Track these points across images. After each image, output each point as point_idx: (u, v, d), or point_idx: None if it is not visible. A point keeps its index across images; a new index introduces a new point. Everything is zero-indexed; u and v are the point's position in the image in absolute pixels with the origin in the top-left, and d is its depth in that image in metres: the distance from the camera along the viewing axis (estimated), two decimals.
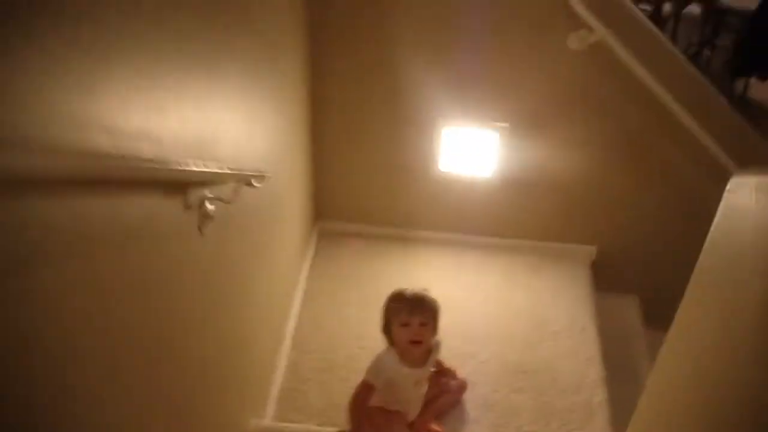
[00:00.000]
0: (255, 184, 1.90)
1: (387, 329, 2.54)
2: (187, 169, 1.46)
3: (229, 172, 1.73)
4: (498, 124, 3.23)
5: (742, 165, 2.90)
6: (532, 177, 3.41)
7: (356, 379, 2.90)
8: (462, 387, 2.88)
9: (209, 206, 1.77)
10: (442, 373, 2.85)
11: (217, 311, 1.98)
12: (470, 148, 3.34)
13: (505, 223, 3.60)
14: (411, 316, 2.47)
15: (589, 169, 3.37)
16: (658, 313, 3.60)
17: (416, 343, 2.48)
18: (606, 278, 3.61)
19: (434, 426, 2.71)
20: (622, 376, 3.19)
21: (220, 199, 1.84)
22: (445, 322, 2.62)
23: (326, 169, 3.52)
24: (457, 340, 3.05)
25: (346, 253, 3.62)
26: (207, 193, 1.76)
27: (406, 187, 3.53)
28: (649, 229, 3.52)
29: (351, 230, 3.72)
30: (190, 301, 1.74)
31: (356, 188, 3.61)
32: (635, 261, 3.63)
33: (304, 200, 3.36)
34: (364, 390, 2.49)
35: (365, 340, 3.10)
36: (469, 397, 2.90)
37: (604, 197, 3.46)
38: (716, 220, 1.64)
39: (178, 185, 1.56)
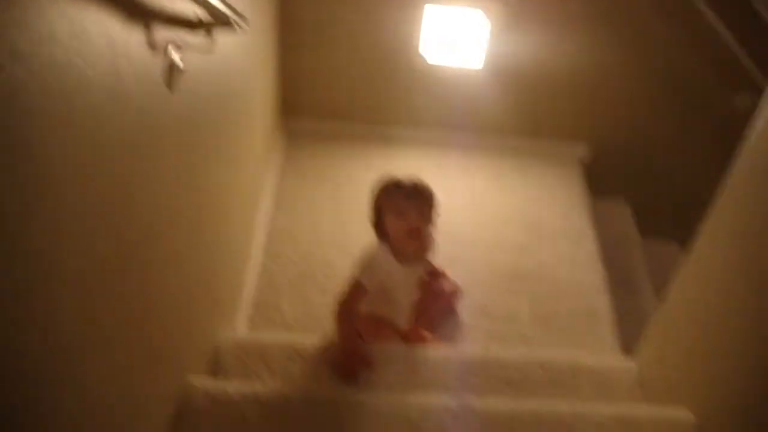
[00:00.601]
0: (240, 25, 1.53)
1: (378, 221, 2.19)
2: None
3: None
4: (488, 3, 2.87)
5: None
6: (523, 67, 3.07)
7: (336, 287, 2.60)
8: (456, 291, 2.59)
9: (177, 55, 1.42)
10: (435, 275, 2.55)
11: (185, 200, 1.63)
12: (456, 33, 2.97)
13: (492, 120, 3.28)
14: (408, 204, 2.12)
15: (585, 62, 3.05)
16: (650, 220, 3.41)
17: (414, 234, 2.14)
18: (598, 182, 3.34)
19: (427, 334, 2.42)
20: (619, 283, 2.96)
21: (193, 48, 1.49)
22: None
23: (295, 57, 3.09)
24: (444, 245, 2.69)
25: (317, 153, 3.26)
26: (175, 37, 1.40)
27: (384, 78, 3.15)
28: (646, 130, 3.25)
29: (323, 128, 3.34)
30: (156, 180, 1.40)
31: (329, 80, 3.20)
32: (627, 163, 3.36)
33: (271, 93, 2.94)
34: (355, 292, 2.12)
35: (344, 246, 2.80)
36: (463, 303, 2.62)
37: (599, 92, 3.15)
38: None
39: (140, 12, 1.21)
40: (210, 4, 1.40)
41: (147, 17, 1.25)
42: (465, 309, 2.61)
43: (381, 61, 3.09)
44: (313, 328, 2.47)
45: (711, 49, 2.82)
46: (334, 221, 2.92)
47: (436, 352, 2.17)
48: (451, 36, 2.95)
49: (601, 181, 3.34)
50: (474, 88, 3.14)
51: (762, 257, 1.56)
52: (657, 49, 2.96)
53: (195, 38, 1.51)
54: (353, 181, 3.10)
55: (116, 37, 1.10)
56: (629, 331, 2.66)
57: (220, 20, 1.51)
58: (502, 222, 3.00)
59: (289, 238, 2.83)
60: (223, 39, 1.73)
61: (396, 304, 2.29)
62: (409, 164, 3.21)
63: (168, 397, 1.64)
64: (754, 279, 1.58)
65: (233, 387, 1.79)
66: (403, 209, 2.11)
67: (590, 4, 2.88)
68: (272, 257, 2.74)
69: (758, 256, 1.57)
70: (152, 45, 1.29)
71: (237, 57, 2.18)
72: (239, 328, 2.41)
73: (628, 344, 2.53)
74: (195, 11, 1.48)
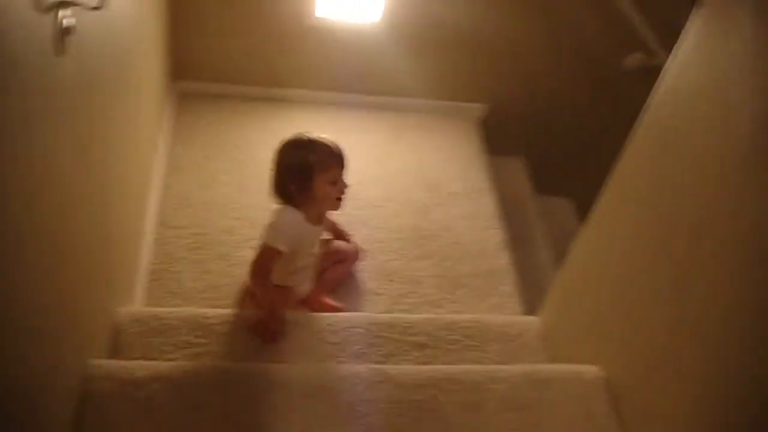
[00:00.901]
0: None
1: (303, 182, 2.10)
2: None
3: None
4: None
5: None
6: (419, 27, 3.03)
7: (235, 253, 2.53)
8: (357, 252, 2.55)
9: (65, 14, 1.31)
10: (337, 235, 2.52)
11: (74, 169, 1.51)
12: None
13: (389, 80, 3.23)
14: (341, 170, 2.12)
15: (481, 19, 3.03)
16: (545, 178, 3.47)
17: (341, 198, 2.16)
18: (493, 140, 3.35)
19: (330, 300, 2.38)
20: (517, 240, 2.99)
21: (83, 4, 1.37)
22: None
23: (184, 17, 2.95)
24: (345, 206, 2.65)
25: (211, 117, 3.13)
26: None
27: (279, 37, 3.04)
28: (541, 88, 3.27)
29: (216, 91, 3.21)
30: (46, 150, 1.29)
31: (220, 41, 3.06)
32: (523, 121, 3.39)
33: (160, 55, 2.79)
34: (268, 256, 2.06)
35: (242, 210, 2.72)
36: (366, 267, 2.59)
37: (495, 51, 3.14)
38: None
39: None
40: None
41: None
42: (369, 273, 2.58)
43: (275, 19, 2.98)
44: (214, 297, 2.40)
45: (607, 8, 2.85)
46: (231, 185, 2.83)
47: (341, 318, 2.13)
48: None
49: (498, 139, 3.37)
50: (371, 45, 3.07)
51: (664, 217, 1.59)
52: (555, 9, 2.97)
53: None
54: (250, 144, 3.01)
55: None
56: (529, 288, 2.71)
57: None
58: (403, 183, 2.98)
59: (185, 204, 2.72)
60: None
61: (301, 268, 2.24)
62: (306, 126, 3.10)
63: (70, 386, 1.54)
64: (659, 238, 1.61)
65: (137, 366, 1.71)
66: (338, 175, 2.10)
67: None
68: (168, 226, 2.63)
69: (661, 216, 1.60)
70: (39, 4, 1.18)
71: (127, 17, 2.05)
72: (137, 302, 2.30)
73: (530, 302, 2.57)
74: None
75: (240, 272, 2.45)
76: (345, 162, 2.13)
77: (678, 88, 1.58)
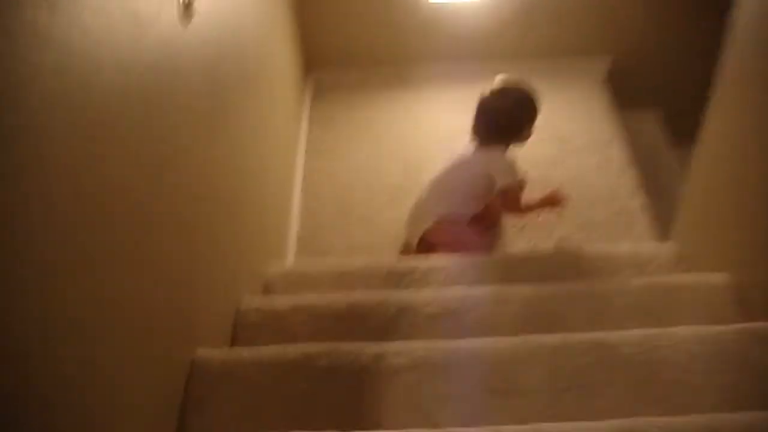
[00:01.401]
0: None
1: (520, 129, 2.47)
2: None
3: None
4: None
5: None
6: None
7: (377, 216, 2.71)
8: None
9: None
10: None
11: (219, 138, 1.75)
12: None
13: (508, 43, 3.32)
14: None
15: None
16: (681, 129, 3.42)
17: None
18: (623, 93, 3.36)
19: None
20: (653, 190, 2.99)
21: None
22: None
23: (313, 16, 3.21)
24: None
25: (344, 99, 3.37)
26: None
27: (397, 18, 3.22)
28: (667, 36, 3.25)
29: (346, 77, 3.44)
30: (191, 127, 1.52)
31: (345, 31, 3.30)
32: (652, 72, 3.38)
33: (294, 51, 3.07)
34: (521, 189, 2.47)
35: (380, 180, 2.90)
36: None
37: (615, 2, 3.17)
38: None
39: None
40: None
41: None
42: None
43: (392, 5, 3.17)
44: (357, 256, 2.58)
45: None
46: (369, 159, 3.02)
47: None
48: None
49: (626, 91, 3.36)
50: (483, 14, 3.19)
51: None
52: None
53: None
54: (382, 122, 3.21)
55: None
56: (664, 232, 2.71)
57: None
58: (531, 139, 3.06)
59: (327, 178, 2.94)
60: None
61: None
62: (435, 98, 3.29)
63: (227, 313, 1.77)
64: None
65: (281, 301, 1.90)
66: None
67: None
68: (312, 197, 2.86)
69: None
70: None
71: (261, 24, 2.35)
72: (287, 262, 2.53)
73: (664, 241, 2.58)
74: None
75: (382, 231, 2.64)
76: None
77: None
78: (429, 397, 1.43)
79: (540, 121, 3.12)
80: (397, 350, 1.51)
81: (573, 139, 3.05)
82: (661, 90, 3.42)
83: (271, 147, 2.46)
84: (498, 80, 2.49)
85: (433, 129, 3.14)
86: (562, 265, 2.17)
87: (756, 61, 1.69)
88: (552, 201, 2.52)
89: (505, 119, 2.43)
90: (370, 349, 1.51)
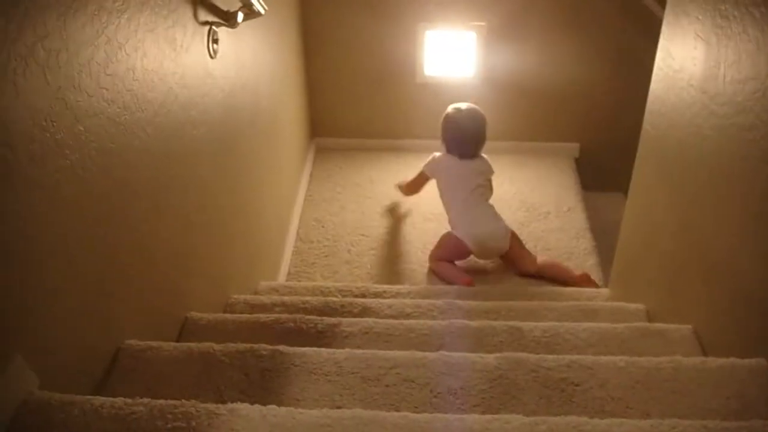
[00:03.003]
0: (258, 8, 2.08)
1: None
2: None
3: None
4: (476, 23, 3.43)
5: None
6: (513, 77, 3.60)
7: (358, 260, 3.09)
8: None
9: (216, 30, 1.97)
10: None
11: (233, 171, 2.21)
12: (451, 51, 3.53)
13: (490, 125, 3.77)
14: None
15: (568, 66, 3.56)
16: None
17: None
18: (590, 177, 3.78)
19: None
20: (605, 254, 3.34)
21: (225, 23, 2.03)
22: (442, 210, 3.13)
23: (319, 90, 3.73)
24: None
25: (342, 164, 3.83)
26: (211, 18, 1.95)
27: (395, 96, 3.72)
28: (631, 124, 3.69)
29: (346, 144, 3.94)
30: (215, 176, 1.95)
31: (348, 105, 3.81)
32: (618, 158, 3.79)
33: (301, 119, 3.57)
34: None
35: (365, 229, 3.30)
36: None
37: (584, 94, 3.65)
38: None
39: None
40: None
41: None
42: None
43: (391, 84, 3.67)
44: None
45: None
46: (356, 212, 3.44)
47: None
48: (447, 53, 3.52)
49: (593, 174, 3.78)
50: (471, 98, 3.65)
51: (680, 192, 1.99)
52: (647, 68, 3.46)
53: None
54: (373, 183, 3.64)
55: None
56: None
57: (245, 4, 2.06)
58: (502, 206, 3.45)
59: (319, 226, 3.34)
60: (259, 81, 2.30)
61: None
62: (417, 166, 3.72)
63: (223, 300, 2.16)
64: (676, 206, 2.01)
65: (266, 298, 2.27)
66: None
67: (573, 28, 3.43)
68: (305, 241, 3.25)
69: (677, 191, 2.01)
70: (197, 19, 1.84)
71: (276, 94, 2.84)
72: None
73: None
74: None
75: (363, 272, 3.04)
76: None
77: None
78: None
79: (512, 191, 3.57)
80: (351, 322, 1.86)
81: (540, 207, 3.45)
82: (625, 175, 3.82)
83: (273, 192, 2.88)
84: (461, 106, 3.12)
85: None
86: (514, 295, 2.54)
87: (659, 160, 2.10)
88: None
89: (482, 135, 3.08)
90: (329, 320, 1.87)
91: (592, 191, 3.73)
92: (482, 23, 3.43)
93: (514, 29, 3.46)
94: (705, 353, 1.71)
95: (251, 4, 2.08)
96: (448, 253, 3.00)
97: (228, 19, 2.05)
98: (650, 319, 2.13)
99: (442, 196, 3.10)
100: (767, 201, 1.41)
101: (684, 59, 1.85)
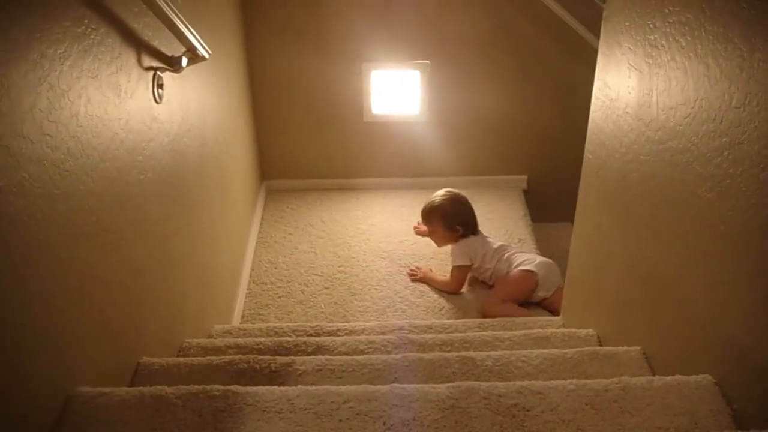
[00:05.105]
0: (202, 52, 2.10)
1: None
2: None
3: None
4: (419, 62, 3.49)
5: None
6: (458, 113, 3.68)
7: (312, 300, 3.09)
8: None
9: (161, 75, 1.98)
10: None
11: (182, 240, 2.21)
12: (397, 89, 3.59)
13: (436, 162, 3.85)
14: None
15: (511, 100, 3.65)
16: None
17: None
18: (539, 207, 3.85)
19: None
20: None
21: (169, 68, 2.04)
22: (394, 247, 3.34)
23: (268, 132, 3.76)
24: (408, 259, 3.34)
25: (293, 205, 3.85)
26: (156, 63, 1.96)
27: (343, 137, 3.77)
28: (576, 154, 3.77)
29: (296, 185, 3.98)
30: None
31: (297, 147, 3.85)
32: (565, 188, 3.87)
33: (251, 161, 3.58)
34: None
35: (318, 269, 3.31)
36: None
37: (529, 127, 3.74)
38: None
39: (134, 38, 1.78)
40: (181, 32, 1.97)
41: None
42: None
43: (339, 124, 3.72)
44: None
45: None
46: (309, 252, 3.45)
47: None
48: (393, 92, 3.58)
49: (542, 205, 3.86)
50: (418, 136, 3.73)
51: (622, 218, 2.05)
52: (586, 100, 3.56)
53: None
54: (324, 223, 3.65)
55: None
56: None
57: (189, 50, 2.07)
58: None
59: (272, 267, 3.34)
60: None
61: None
62: (372, 207, 3.77)
63: (176, 344, 2.15)
64: (620, 231, 2.06)
65: (220, 341, 2.26)
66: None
67: (515, 66, 3.52)
68: (258, 282, 3.24)
69: (619, 217, 2.06)
70: (141, 65, 1.85)
71: (223, 142, 2.87)
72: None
73: None
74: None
75: (316, 312, 3.04)
76: (422, 217, 3.31)
77: None
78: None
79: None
80: (304, 360, 1.87)
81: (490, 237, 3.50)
82: (572, 204, 3.89)
83: (225, 235, 2.88)
84: (450, 190, 3.30)
85: (366, 231, 3.59)
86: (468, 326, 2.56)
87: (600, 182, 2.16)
88: None
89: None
90: (282, 359, 1.87)
91: (541, 222, 3.80)
92: (426, 61, 3.49)
93: (457, 67, 3.54)
94: (654, 373, 1.75)
95: (195, 48, 2.10)
96: (520, 289, 3.10)
97: (172, 64, 2.07)
98: (601, 344, 2.17)
99: (478, 270, 3.24)
100: (700, 222, 1.46)
101: (619, 88, 1.92)
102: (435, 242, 3.32)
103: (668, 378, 1.51)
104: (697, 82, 1.45)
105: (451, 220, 3.21)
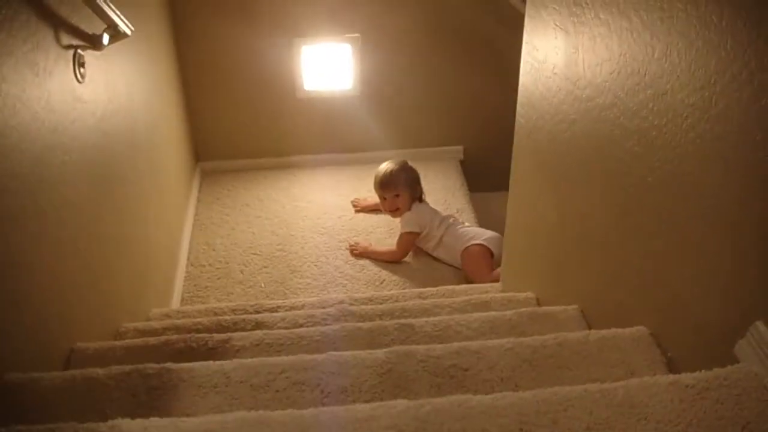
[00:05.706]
0: (123, 29, 2.03)
1: None
2: None
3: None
4: (350, 35, 3.45)
5: None
6: (391, 86, 3.65)
7: (251, 280, 3.06)
8: None
9: (81, 53, 1.90)
10: None
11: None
12: (329, 64, 3.55)
13: (372, 136, 3.82)
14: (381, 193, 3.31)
15: (444, 71, 3.63)
16: None
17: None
18: (476, 178, 3.86)
19: None
20: None
21: (90, 46, 1.97)
22: (332, 223, 3.33)
23: (200, 113, 3.68)
24: (346, 234, 3.31)
25: (229, 185, 3.79)
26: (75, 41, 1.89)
27: (277, 114, 3.71)
28: (511, 123, 3.79)
29: (231, 166, 3.89)
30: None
31: (231, 126, 3.77)
32: (501, 156, 3.88)
33: (184, 143, 3.51)
34: None
35: (257, 248, 3.27)
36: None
37: (463, 97, 3.73)
38: None
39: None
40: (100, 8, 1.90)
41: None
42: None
43: (272, 102, 3.66)
44: None
45: None
46: (247, 232, 3.40)
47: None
48: (325, 66, 3.54)
49: (478, 175, 3.86)
50: (351, 110, 3.69)
51: (554, 179, 2.05)
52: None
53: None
54: (261, 202, 3.61)
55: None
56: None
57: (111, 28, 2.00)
58: None
59: (210, 249, 3.29)
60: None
61: None
62: (309, 183, 3.73)
63: (112, 329, 2.10)
64: (553, 193, 2.07)
65: (157, 323, 2.21)
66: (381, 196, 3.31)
67: (446, 35, 3.50)
68: (196, 265, 3.19)
69: (552, 178, 2.07)
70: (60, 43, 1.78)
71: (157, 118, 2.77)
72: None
73: None
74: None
75: (256, 291, 3.00)
76: (382, 186, 3.24)
77: None
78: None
79: None
80: (242, 336, 1.83)
81: None
82: (508, 173, 3.92)
83: (159, 218, 2.81)
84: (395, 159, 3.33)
85: (304, 208, 3.56)
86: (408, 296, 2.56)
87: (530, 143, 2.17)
88: None
89: None
90: (219, 336, 1.84)
91: (479, 192, 3.81)
92: (356, 34, 3.45)
93: (388, 39, 3.52)
94: (591, 329, 1.76)
95: (116, 25, 2.03)
96: (486, 262, 3.11)
97: (93, 42, 1.99)
98: (540, 306, 2.18)
99: (425, 239, 3.24)
100: (630, 177, 1.47)
101: (547, 49, 1.92)
102: (390, 212, 3.30)
103: (604, 331, 1.52)
104: (621, 37, 1.45)
105: (413, 182, 3.27)
